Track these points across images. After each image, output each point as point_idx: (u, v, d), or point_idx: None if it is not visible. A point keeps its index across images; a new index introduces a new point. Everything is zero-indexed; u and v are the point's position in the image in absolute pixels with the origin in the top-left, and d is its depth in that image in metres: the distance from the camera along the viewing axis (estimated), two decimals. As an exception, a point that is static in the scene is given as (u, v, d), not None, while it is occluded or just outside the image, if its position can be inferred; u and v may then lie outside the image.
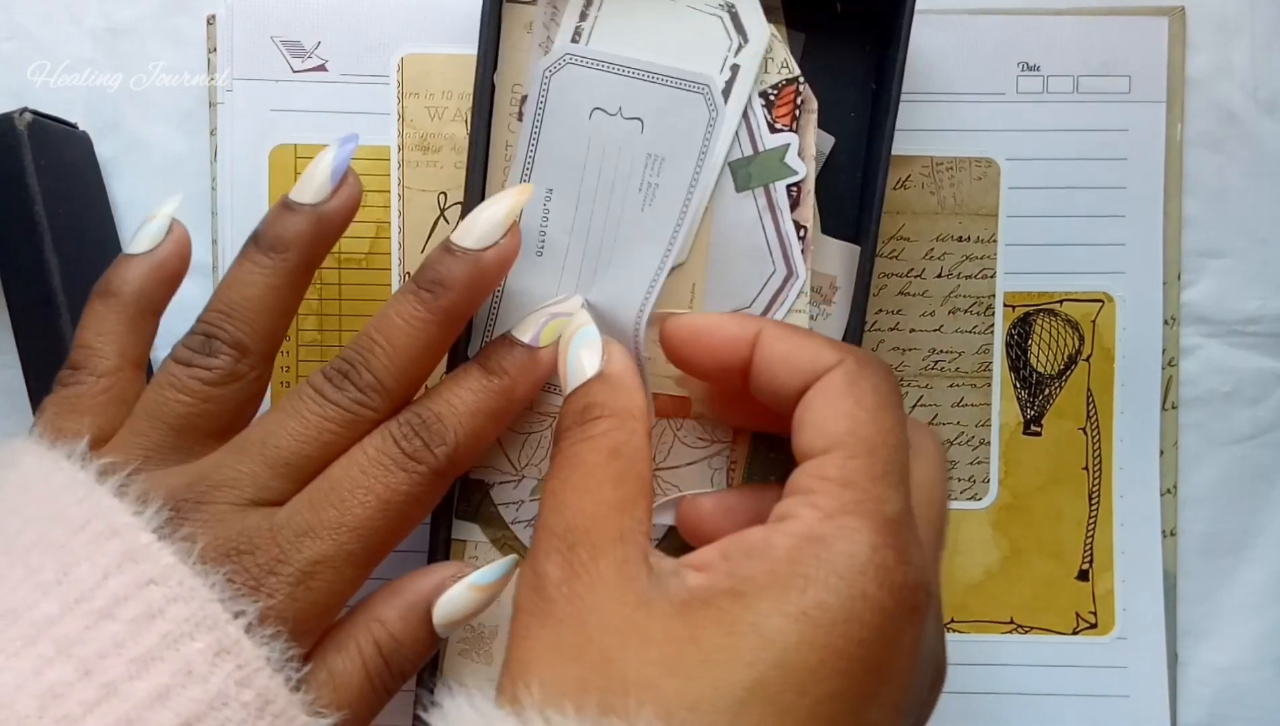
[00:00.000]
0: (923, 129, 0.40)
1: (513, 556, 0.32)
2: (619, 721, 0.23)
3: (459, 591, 0.31)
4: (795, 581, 0.24)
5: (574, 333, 0.31)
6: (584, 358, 0.30)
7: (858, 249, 0.36)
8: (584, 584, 0.25)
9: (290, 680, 0.26)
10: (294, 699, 0.26)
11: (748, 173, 0.34)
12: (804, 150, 0.35)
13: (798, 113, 0.35)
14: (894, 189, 0.40)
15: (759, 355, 0.29)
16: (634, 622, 0.25)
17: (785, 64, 0.35)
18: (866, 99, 0.38)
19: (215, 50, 0.40)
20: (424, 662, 0.32)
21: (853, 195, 0.38)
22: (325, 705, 0.28)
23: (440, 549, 0.37)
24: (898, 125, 0.40)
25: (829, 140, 0.37)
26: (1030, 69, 0.40)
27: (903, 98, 0.38)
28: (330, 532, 0.28)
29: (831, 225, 0.37)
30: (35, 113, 0.37)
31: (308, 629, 0.28)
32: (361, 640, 0.29)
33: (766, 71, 0.35)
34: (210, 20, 0.40)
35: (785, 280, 0.35)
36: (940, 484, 0.29)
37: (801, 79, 0.35)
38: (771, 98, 0.35)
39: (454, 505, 0.37)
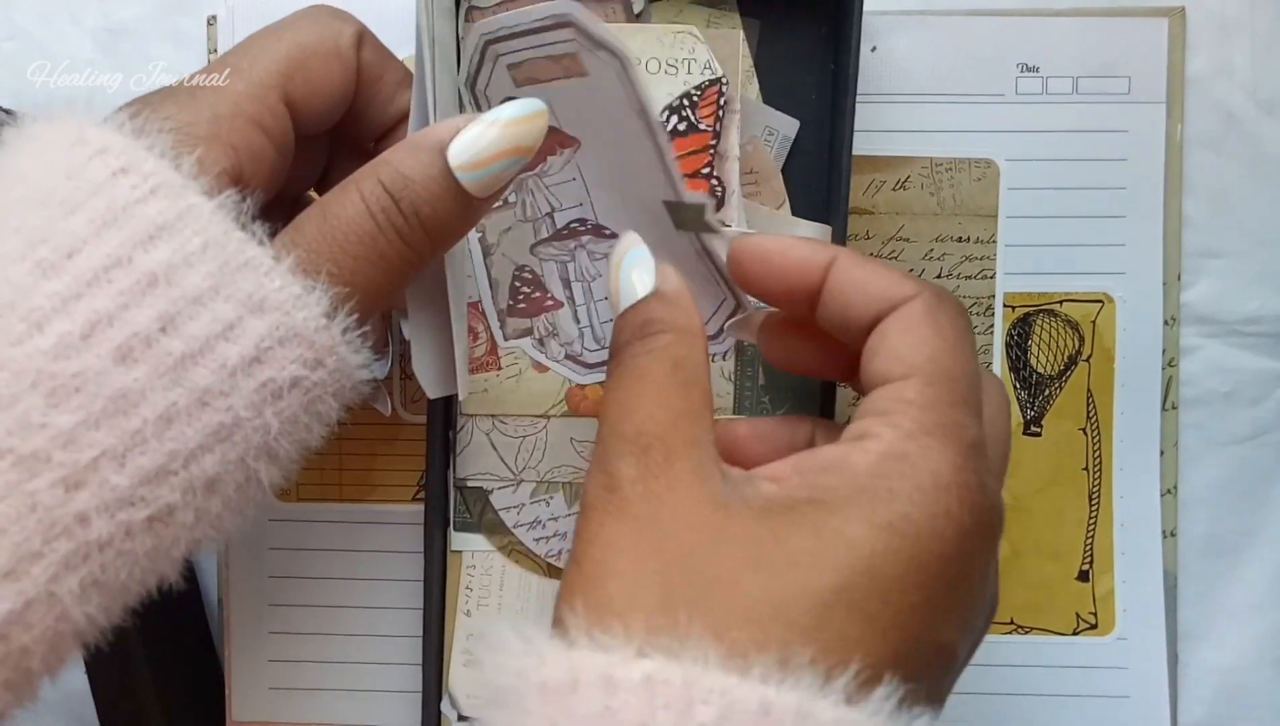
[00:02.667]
0: (923, 130, 0.40)
1: (538, 100, 0.28)
2: (668, 639, 0.22)
3: (477, 127, 0.27)
4: (880, 494, 0.24)
5: (625, 251, 0.30)
6: (638, 276, 0.29)
7: (829, 229, 0.36)
8: (661, 483, 0.25)
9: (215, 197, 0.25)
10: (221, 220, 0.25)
11: (680, 218, 0.33)
12: (727, 150, 0.35)
13: (721, 113, 0.35)
14: (894, 190, 0.40)
15: (832, 281, 0.28)
16: (713, 522, 0.24)
17: (708, 65, 0.35)
18: (827, 80, 0.38)
19: (216, 50, 0.40)
20: (449, 218, 0.28)
21: (821, 176, 0.38)
22: (310, 240, 0.26)
23: (435, 561, 0.37)
24: (896, 125, 0.40)
25: (793, 124, 0.38)
26: (1030, 70, 0.40)
27: (901, 98, 0.38)
28: None
29: (802, 207, 0.37)
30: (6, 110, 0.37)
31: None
32: (363, 181, 0.27)
33: (689, 73, 0.35)
34: (210, 20, 0.40)
35: (735, 310, 0.35)
36: (1005, 424, 0.29)
37: (725, 80, 0.35)
38: (695, 97, 0.35)
39: (450, 517, 0.37)
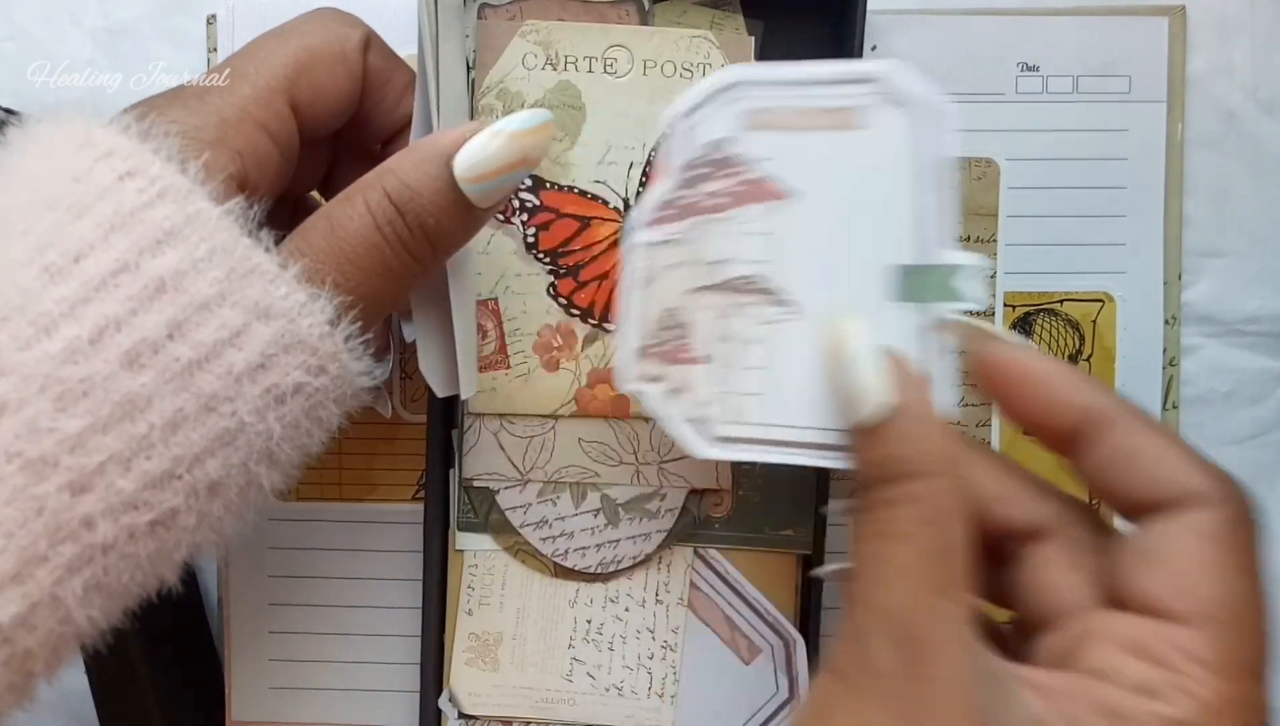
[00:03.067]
0: (923, 129, 0.40)
1: (544, 111, 0.28)
2: None
3: (482, 138, 0.27)
4: None
5: (847, 339, 0.27)
6: (871, 380, 0.25)
7: None
8: (919, 686, 0.23)
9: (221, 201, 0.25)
10: (222, 219, 0.25)
11: (914, 285, 0.29)
12: None
13: None
14: (894, 189, 0.40)
15: (1109, 445, 0.25)
16: None
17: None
18: (830, 84, 0.38)
19: (216, 50, 0.40)
20: (454, 229, 0.28)
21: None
22: (316, 250, 0.26)
23: (435, 560, 0.37)
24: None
25: (798, 126, 0.38)
26: (1030, 69, 0.40)
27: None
28: None
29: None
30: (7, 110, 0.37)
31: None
32: (369, 191, 0.27)
33: (704, 76, 0.33)
34: (210, 20, 0.40)
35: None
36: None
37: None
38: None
39: (450, 517, 0.37)
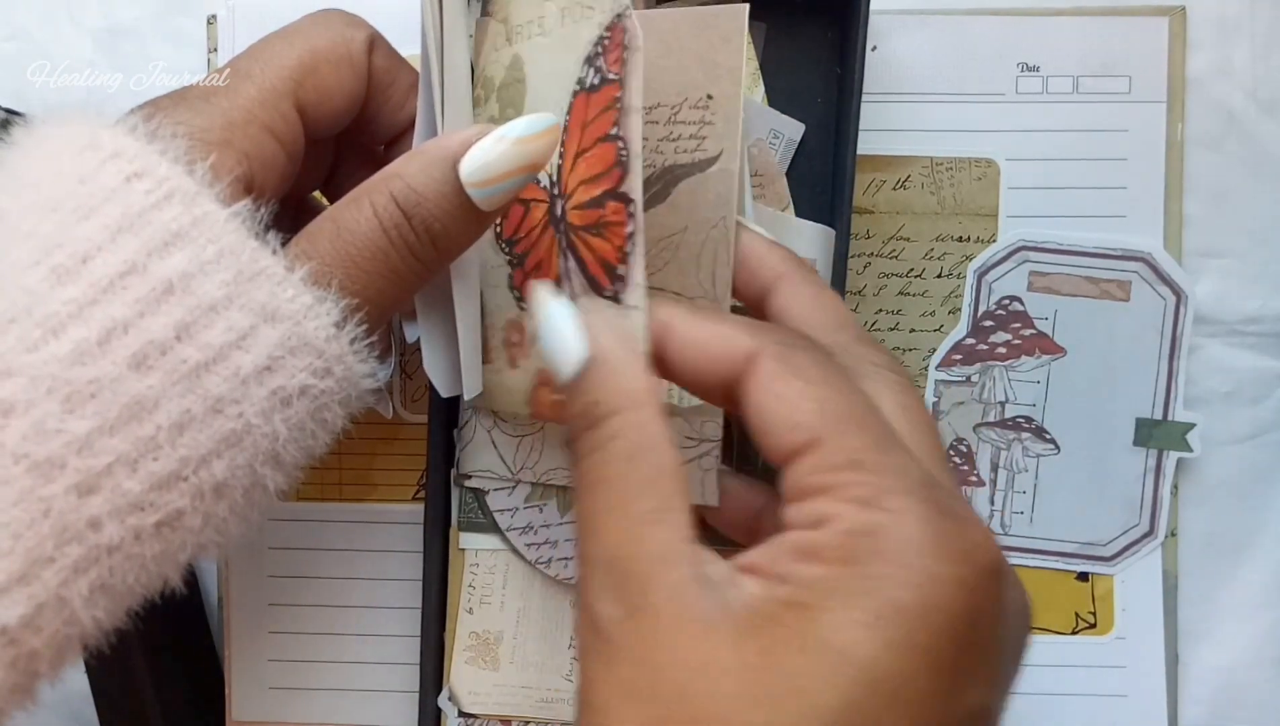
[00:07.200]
0: (923, 129, 0.40)
1: (549, 115, 0.27)
2: None
3: (488, 143, 0.27)
4: (858, 583, 0.22)
5: (545, 312, 0.26)
6: (565, 341, 0.25)
7: (833, 232, 0.36)
8: (644, 620, 0.23)
9: (227, 203, 0.25)
10: (226, 217, 0.25)
11: (1149, 432, 0.39)
12: (630, 101, 0.28)
13: (625, 55, 0.28)
14: (894, 189, 0.40)
15: (673, 352, 0.26)
16: (703, 653, 0.22)
17: None
18: (832, 83, 0.38)
19: (216, 50, 0.40)
20: (459, 233, 0.28)
21: (825, 179, 0.38)
22: (322, 252, 0.27)
23: (435, 560, 0.37)
24: (897, 124, 0.40)
25: (799, 127, 0.38)
26: (1030, 69, 0.40)
27: (902, 97, 0.38)
28: None
29: (805, 210, 0.38)
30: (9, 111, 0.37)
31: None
32: (375, 194, 0.27)
33: (603, 11, 0.29)
34: (210, 20, 0.40)
35: (1143, 536, 0.40)
36: (919, 406, 0.26)
37: (629, 9, 0.28)
38: (605, 41, 0.29)
39: (451, 516, 0.37)
